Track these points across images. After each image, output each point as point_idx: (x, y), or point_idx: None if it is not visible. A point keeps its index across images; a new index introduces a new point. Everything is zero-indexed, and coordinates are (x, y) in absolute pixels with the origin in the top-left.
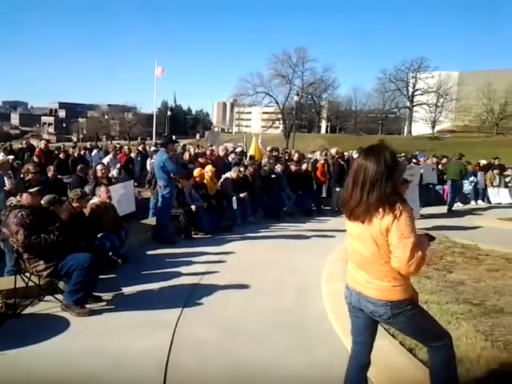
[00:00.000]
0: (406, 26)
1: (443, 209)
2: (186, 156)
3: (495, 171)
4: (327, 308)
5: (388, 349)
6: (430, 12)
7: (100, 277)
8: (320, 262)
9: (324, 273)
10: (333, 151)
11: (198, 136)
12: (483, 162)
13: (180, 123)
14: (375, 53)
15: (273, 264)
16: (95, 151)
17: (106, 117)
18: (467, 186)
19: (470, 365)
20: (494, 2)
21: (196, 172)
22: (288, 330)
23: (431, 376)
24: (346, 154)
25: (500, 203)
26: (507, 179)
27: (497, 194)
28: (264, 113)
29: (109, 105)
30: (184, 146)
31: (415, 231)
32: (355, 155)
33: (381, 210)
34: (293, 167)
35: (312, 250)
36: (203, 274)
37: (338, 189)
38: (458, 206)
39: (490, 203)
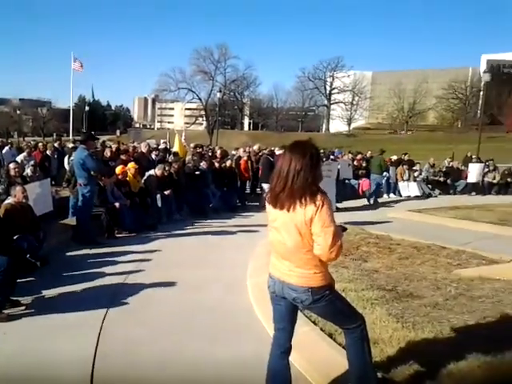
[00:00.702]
0: (324, 26)
1: (358, 202)
2: (108, 153)
3: (405, 166)
4: (253, 300)
5: (310, 335)
6: (347, 13)
7: (18, 280)
8: (246, 256)
9: (249, 266)
10: (255, 148)
11: (118, 132)
12: (394, 157)
13: (99, 119)
14: (295, 51)
15: (199, 260)
16: (6, 148)
17: (18, 112)
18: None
19: (383, 345)
20: (402, 7)
21: (118, 169)
22: (215, 324)
23: (348, 356)
24: (267, 150)
25: (409, 196)
26: (416, 173)
27: (406, 188)
28: (187, 109)
29: (20, 99)
30: (103, 142)
31: (335, 221)
32: (278, 152)
33: (304, 199)
34: (216, 164)
35: (237, 245)
36: (128, 273)
37: (266, 185)
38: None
39: (401, 196)
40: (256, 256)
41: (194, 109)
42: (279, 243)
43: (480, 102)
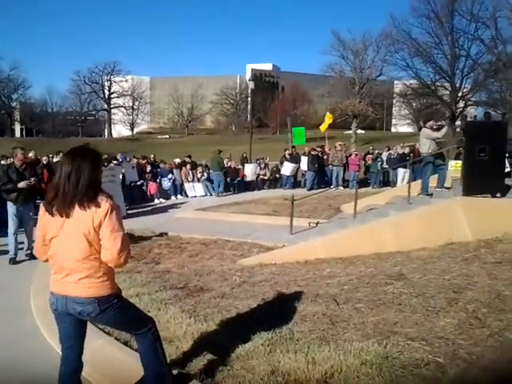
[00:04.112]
0: (99, 29)
1: (148, 205)
2: None
3: (188, 167)
4: (39, 322)
5: (104, 346)
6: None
7: None
8: (27, 276)
9: (32, 287)
10: (31, 155)
11: None
12: (178, 160)
13: None
14: (68, 53)
15: None
16: None
17: None
18: (166, 184)
19: (178, 342)
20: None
21: None
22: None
23: (142, 360)
24: (45, 158)
25: (195, 196)
26: (199, 174)
27: (192, 189)
28: None
29: None
30: None
31: (123, 226)
32: (55, 159)
33: (89, 204)
34: None
35: (15, 266)
36: None
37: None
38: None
39: (188, 197)
40: (39, 274)
41: None
42: (64, 254)
43: (249, 107)
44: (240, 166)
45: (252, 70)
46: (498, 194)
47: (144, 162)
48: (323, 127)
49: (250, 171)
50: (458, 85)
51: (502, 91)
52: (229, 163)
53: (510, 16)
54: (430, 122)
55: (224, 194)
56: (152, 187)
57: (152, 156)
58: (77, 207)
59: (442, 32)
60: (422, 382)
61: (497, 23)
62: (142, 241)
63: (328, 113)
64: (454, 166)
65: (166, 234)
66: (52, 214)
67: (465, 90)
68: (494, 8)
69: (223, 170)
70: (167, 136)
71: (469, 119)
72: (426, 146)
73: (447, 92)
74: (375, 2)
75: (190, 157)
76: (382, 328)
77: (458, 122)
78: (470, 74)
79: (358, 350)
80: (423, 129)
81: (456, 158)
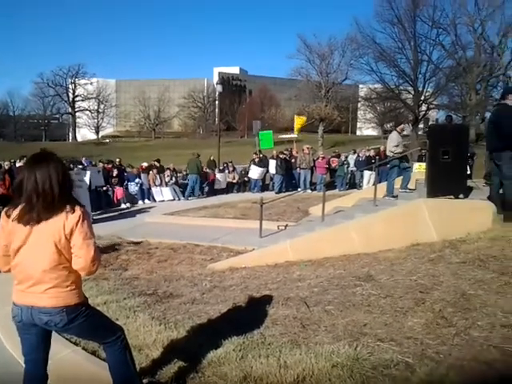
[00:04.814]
0: (62, 30)
1: (114, 211)
2: None
3: (154, 171)
4: (1, 335)
5: (70, 357)
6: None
7: None
8: None
9: None
10: None
11: None
12: (145, 164)
13: None
14: (30, 56)
15: None
16: None
17: None
18: (133, 188)
19: (148, 350)
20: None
21: None
22: None
23: (111, 370)
24: (7, 163)
25: (163, 200)
26: (166, 178)
27: (160, 193)
28: None
29: None
30: None
31: (94, 232)
32: (18, 164)
33: (58, 211)
34: None
35: None
36: None
37: None
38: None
39: (155, 201)
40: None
41: None
42: (31, 264)
43: (216, 110)
44: (208, 170)
45: (219, 73)
46: (461, 196)
47: (110, 166)
48: (297, 130)
49: (221, 178)
50: (420, 89)
51: (462, 95)
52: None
53: (469, 23)
54: (401, 126)
55: (194, 197)
56: (118, 192)
57: (118, 160)
58: (46, 214)
59: (404, 37)
60: (391, 382)
61: (456, 29)
62: (109, 247)
63: (296, 116)
64: (418, 168)
65: (134, 239)
66: (18, 222)
67: (427, 94)
68: (454, 15)
69: (200, 173)
70: (136, 139)
71: (431, 122)
72: (394, 148)
73: (410, 96)
74: (340, 7)
75: (158, 161)
76: (352, 330)
77: (421, 125)
78: (432, 79)
79: (329, 352)
80: (393, 132)
81: (419, 160)
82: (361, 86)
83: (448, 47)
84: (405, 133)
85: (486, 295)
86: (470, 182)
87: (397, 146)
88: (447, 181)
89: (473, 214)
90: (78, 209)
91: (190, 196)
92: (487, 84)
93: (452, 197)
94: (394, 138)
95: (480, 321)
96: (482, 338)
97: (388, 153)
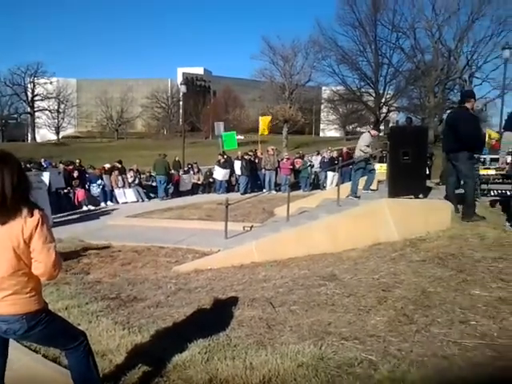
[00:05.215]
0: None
1: (76, 213)
2: None
3: (116, 173)
4: None
5: (30, 365)
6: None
7: None
8: None
9: None
10: None
11: None
12: (107, 165)
13: None
14: None
15: None
16: None
17: None
18: (95, 190)
19: (111, 355)
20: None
21: None
22: None
23: (73, 377)
24: None
25: (126, 202)
26: (130, 180)
27: (123, 195)
28: None
29: None
30: None
31: (54, 236)
32: None
33: (15, 215)
34: None
35: None
36: None
37: None
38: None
39: (118, 203)
40: None
41: None
42: None
43: (180, 111)
44: (173, 171)
45: (183, 73)
46: (421, 195)
47: (71, 167)
48: (264, 130)
49: (186, 180)
50: (381, 91)
51: (421, 97)
52: None
53: (427, 27)
54: (375, 132)
55: (158, 199)
56: (80, 194)
57: (78, 161)
58: (3, 219)
59: (366, 40)
60: (355, 380)
61: (415, 33)
62: (70, 251)
63: (260, 117)
64: (379, 169)
65: (97, 242)
66: None
67: (388, 96)
68: (413, 19)
69: (168, 174)
70: (98, 140)
71: (392, 124)
72: (364, 148)
73: (372, 98)
74: (304, 9)
75: (120, 162)
76: (317, 329)
77: (382, 127)
78: (392, 81)
79: (295, 352)
80: (366, 132)
81: (380, 161)
82: (324, 88)
83: (407, 51)
84: (370, 150)
85: (445, 292)
86: (428, 182)
87: (368, 146)
88: (407, 181)
89: (432, 213)
90: (36, 212)
91: (164, 197)
92: (444, 87)
93: (412, 197)
94: (366, 138)
95: (439, 317)
96: (442, 334)
97: (357, 152)
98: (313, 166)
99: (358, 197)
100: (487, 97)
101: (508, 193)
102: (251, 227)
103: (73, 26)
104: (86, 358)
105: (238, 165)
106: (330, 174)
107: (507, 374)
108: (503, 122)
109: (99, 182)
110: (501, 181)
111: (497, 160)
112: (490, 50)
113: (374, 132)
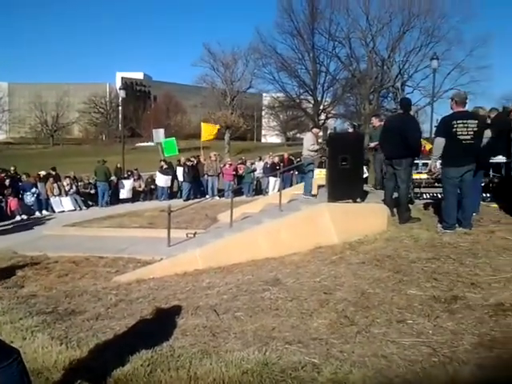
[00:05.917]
0: None
1: (9, 223)
2: None
3: (51, 180)
4: None
5: None
6: None
7: None
8: None
9: None
10: None
11: None
12: (42, 172)
13: None
14: None
15: None
16: None
17: None
18: (29, 199)
19: (48, 373)
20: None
21: None
22: None
23: None
24: None
25: (63, 211)
26: (67, 187)
27: (59, 203)
28: None
29: None
30: None
31: None
32: None
33: None
34: None
35: None
36: None
37: None
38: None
39: (54, 212)
40: None
41: None
42: None
43: (120, 116)
44: (114, 178)
45: (122, 78)
46: (359, 200)
47: (3, 175)
48: (210, 136)
49: (126, 187)
50: (319, 98)
51: (357, 105)
52: None
53: (362, 37)
54: (316, 130)
55: (97, 206)
56: (12, 203)
57: (12, 168)
58: None
59: (304, 48)
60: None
61: (351, 43)
62: (2, 263)
63: (203, 123)
64: (318, 174)
65: (31, 253)
66: None
67: (325, 104)
68: (348, 29)
69: (109, 180)
70: (32, 146)
71: (330, 131)
72: (312, 147)
73: (310, 105)
74: (243, 15)
75: (54, 169)
76: (261, 335)
77: (321, 133)
78: (330, 89)
79: (239, 359)
80: (309, 133)
81: (319, 167)
82: (264, 94)
83: (344, 59)
84: (320, 134)
85: (384, 293)
86: (365, 187)
87: (313, 144)
88: (346, 186)
89: (370, 216)
90: None
91: (104, 204)
92: (379, 95)
93: (351, 201)
94: (309, 138)
95: (379, 318)
96: (381, 334)
97: (305, 152)
98: (255, 171)
99: (315, 195)
100: (418, 104)
101: (439, 196)
102: (194, 234)
103: (4, 28)
104: (20, 377)
105: (180, 171)
106: (272, 179)
107: (441, 370)
108: (433, 128)
109: (34, 190)
110: (434, 184)
111: (426, 165)
112: (420, 60)
113: (315, 130)
